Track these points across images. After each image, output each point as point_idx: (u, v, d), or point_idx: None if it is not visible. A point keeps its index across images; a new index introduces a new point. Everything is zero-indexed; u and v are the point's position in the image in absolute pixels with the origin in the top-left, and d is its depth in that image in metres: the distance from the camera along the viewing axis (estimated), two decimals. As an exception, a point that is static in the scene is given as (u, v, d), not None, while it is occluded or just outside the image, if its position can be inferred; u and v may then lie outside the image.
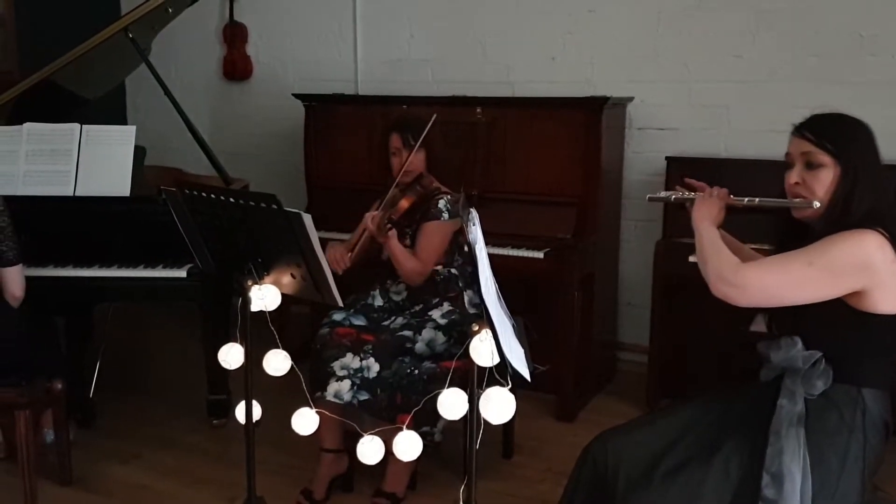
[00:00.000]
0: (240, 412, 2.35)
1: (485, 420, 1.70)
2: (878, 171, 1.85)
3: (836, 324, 1.81)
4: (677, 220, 3.45)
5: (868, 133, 1.88)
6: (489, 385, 1.72)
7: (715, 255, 1.88)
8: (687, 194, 2.07)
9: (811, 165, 1.85)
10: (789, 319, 1.89)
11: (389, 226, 2.77)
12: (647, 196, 2.22)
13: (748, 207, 1.98)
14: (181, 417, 3.52)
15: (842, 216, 1.80)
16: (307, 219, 2.08)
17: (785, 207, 1.92)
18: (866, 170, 1.82)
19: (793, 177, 1.88)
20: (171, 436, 3.38)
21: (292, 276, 2.25)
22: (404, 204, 2.81)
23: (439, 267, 2.91)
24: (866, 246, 1.75)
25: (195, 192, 2.29)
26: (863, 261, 1.74)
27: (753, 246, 2.16)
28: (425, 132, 2.83)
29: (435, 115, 2.85)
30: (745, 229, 2.21)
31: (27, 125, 3.37)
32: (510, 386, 1.64)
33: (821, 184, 1.83)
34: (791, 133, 1.91)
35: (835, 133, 1.84)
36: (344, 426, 2.73)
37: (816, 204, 1.83)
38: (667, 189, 2.23)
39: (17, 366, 2.70)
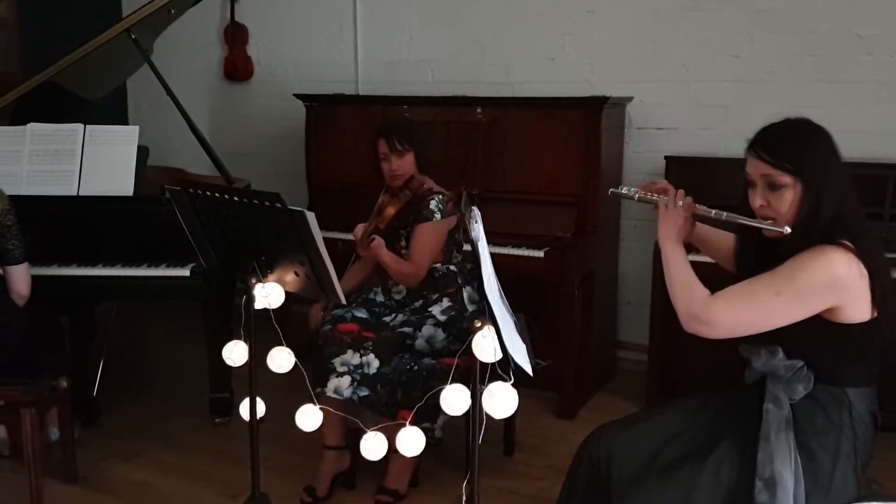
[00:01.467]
0: (244, 409, 2.37)
1: (487, 416, 1.72)
2: (841, 177, 1.80)
3: (812, 336, 1.80)
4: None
5: (825, 138, 1.82)
6: (491, 380, 1.74)
7: (683, 288, 1.84)
8: (651, 196, 2.00)
9: (774, 187, 1.79)
10: (768, 331, 1.86)
11: (372, 237, 2.77)
12: (610, 190, 2.11)
13: (715, 220, 1.91)
14: (184, 416, 3.55)
15: (808, 229, 1.77)
16: (311, 217, 2.11)
17: (753, 226, 1.86)
18: (828, 180, 1.77)
19: (757, 199, 1.83)
20: (174, 434, 3.40)
21: (296, 273, 2.28)
22: (390, 211, 2.82)
23: (438, 264, 2.93)
24: (832, 266, 1.72)
25: (200, 192, 2.31)
26: (830, 281, 1.72)
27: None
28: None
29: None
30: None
31: (31, 125, 3.39)
32: (513, 381, 1.66)
33: (785, 203, 1.79)
34: (746, 152, 1.85)
35: (791, 149, 1.78)
36: (346, 423, 2.76)
37: (787, 230, 1.78)
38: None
39: (22, 364, 2.72)
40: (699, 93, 3.90)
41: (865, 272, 1.74)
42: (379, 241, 2.79)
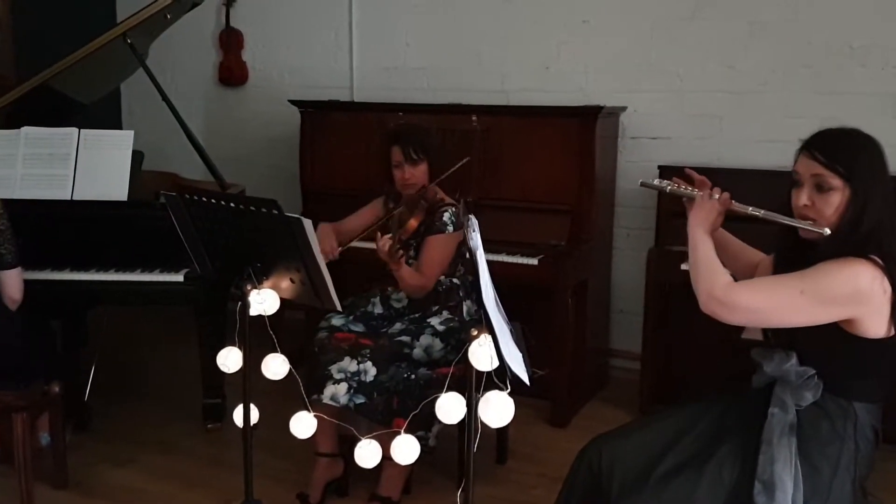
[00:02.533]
0: (237, 416, 2.36)
1: (482, 424, 1.72)
2: (887, 192, 1.81)
3: (829, 344, 1.82)
4: (670, 229, 3.49)
5: (878, 150, 1.84)
6: (486, 390, 1.75)
7: (707, 271, 1.85)
8: (685, 188, 2.01)
9: (822, 188, 1.80)
10: (785, 332, 1.89)
11: (401, 251, 2.73)
12: (640, 181, 2.11)
13: (750, 217, 1.92)
14: (177, 421, 3.53)
15: (848, 236, 1.78)
16: (307, 224, 2.11)
17: (791, 227, 1.87)
18: (876, 190, 1.79)
19: (802, 198, 1.83)
20: (167, 439, 3.38)
21: (291, 280, 2.28)
22: (413, 224, 2.78)
23: (442, 277, 2.93)
24: (859, 278, 1.73)
25: (195, 197, 2.31)
26: (854, 293, 1.74)
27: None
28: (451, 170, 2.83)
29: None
30: (741, 234, 2.20)
31: (25, 129, 3.38)
32: (509, 390, 1.67)
33: (831, 207, 1.80)
34: (799, 150, 1.86)
35: (846, 154, 1.80)
36: (339, 430, 2.75)
37: (827, 231, 1.79)
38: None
39: (14, 369, 2.71)
40: (693, 103, 3.92)
41: (889, 289, 1.76)
42: (403, 256, 2.77)
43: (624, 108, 3.95)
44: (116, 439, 3.37)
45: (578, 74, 4.11)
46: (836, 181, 1.79)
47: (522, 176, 3.73)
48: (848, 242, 1.78)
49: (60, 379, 2.88)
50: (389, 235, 2.74)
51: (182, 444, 3.35)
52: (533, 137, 3.71)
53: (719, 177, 3.50)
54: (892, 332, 1.79)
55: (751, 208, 1.92)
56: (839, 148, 1.82)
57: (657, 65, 3.96)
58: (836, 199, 1.80)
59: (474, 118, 3.80)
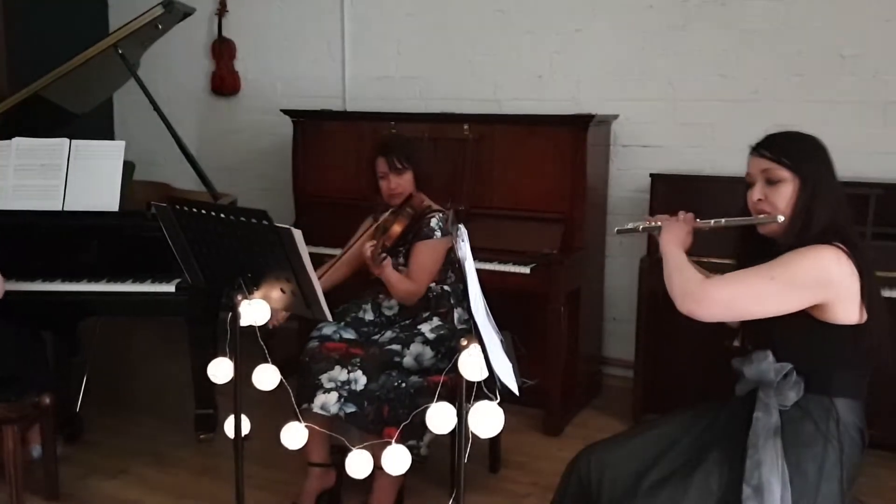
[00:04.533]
0: (228, 427, 2.35)
1: (473, 434, 1.72)
2: (835, 184, 1.91)
3: (802, 336, 1.86)
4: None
5: (822, 148, 1.94)
6: (477, 399, 1.74)
7: (680, 273, 1.93)
8: (654, 223, 2.11)
9: (771, 181, 1.90)
10: (760, 333, 1.94)
11: (384, 255, 2.77)
12: (616, 229, 2.24)
13: (715, 229, 2.03)
14: (168, 432, 3.52)
15: (803, 228, 1.86)
16: (297, 234, 2.10)
17: (750, 225, 1.97)
18: (823, 183, 1.88)
19: (755, 194, 1.93)
20: (158, 450, 3.37)
21: (282, 291, 2.27)
22: (397, 229, 2.81)
23: (433, 283, 2.93)
24: (825, 261, 1.81)
25: (186, 208, 2.30)
26: (822, 275, 1.80)
27: (722, 260, 2.21)
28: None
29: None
30: (712, 245, 2.26)
31: (16, 140, 3.37)
32: (498, 400, 1.66)
33: (782, 198, 1.89)
34: (749, 153, 1.97)
35: (791, 149, 1.91)
36: (331, 440, 2.75)
37: (780, 218, 1.89)
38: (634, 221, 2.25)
39: (5, 381, 2.70)
40: (685, 111, 3.94)
41: (856, 272, 1.82)
42: (389, 261, 2.79)
43: (616, 117, 3.96)
44: (108, 450, 3.36)
45: (570, 83, 4.13)
46: (784, 172, 1.89)
47: (515, 184, 3.74)
48: (806, 233, 1.85)
49: (51, 390, 2.88)
50: (373, 242, 2.77)
51: (174, 455, 3.34)
52: (525, 146, 3.72)
53: (711, 184, 3.59)
54: (864, 319, 1.84)
55: (713, 222, 2.04)
56: (784, 144, 1.93)
57: (649, 73, 3.98)
58: (786, 191, 1.89)
59: (466, 127, 3.80)
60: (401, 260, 2.92)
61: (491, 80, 4.31)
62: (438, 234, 2.88)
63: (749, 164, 1.97)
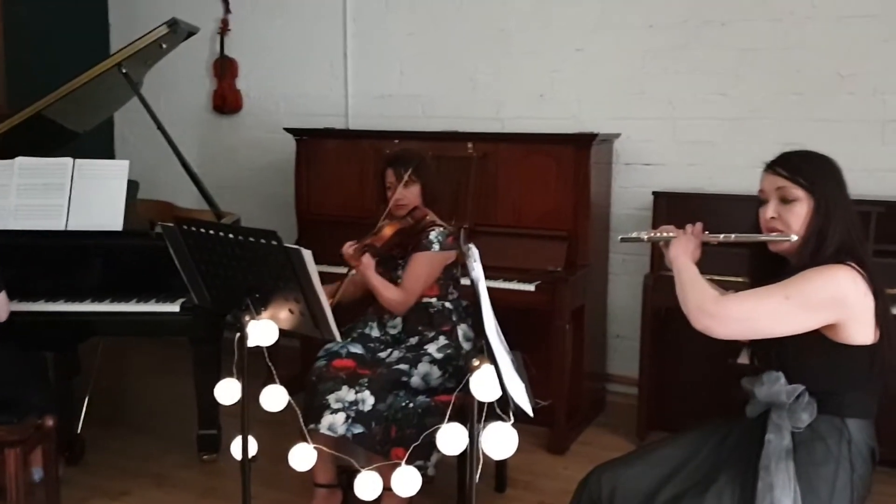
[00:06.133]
0: (235, 448, 2.34)
1: (484, 454, 1.71)
2: (848, 204, 1.91)
3: (815, 356, 1.85)
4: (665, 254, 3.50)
5: (836, 169, 1.94)
6: (487, 420, 1.74)
7: (695, 288, 1.91)
8: (660, 234, 2.09)
9: (786, 200, 1.90)
10: (771, 353, 1.92)
11: (365, 252, 2.76)
12: (620, 237, 2.22)
13: (724, 243, 2.02)
14: (171, 453, 3.50)
15: (817, 248, 1.85)
16: (307, 255, 2.10)
17: (761, 242, 1.96)
18: (837, 203, 1.88)
19: (769, 212, 1.93)
20: (161, 471, 3.34)
21: (290, 311, 2.26)
22: (387, 232, 2.81)
23: (433, 299, 2.93)
24: (840, 280, 1.80)
25: (194, 228, 2.30)
26: (837, 295, 1.79)
27: (732, 279, 2.20)
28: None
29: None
30: (722, 262, 2.24)
31: (19, 159, 3.36)
32: (512, 421, 1.66)
33: (796, 217, 1.88)
34: (763, 170, 1.96)
35: (806, 168, 1.90)
36: (337, 461, 2.73)
37: (794, 237, 1.88)
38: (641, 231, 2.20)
39: (7, 403, 2.68)
40: (686, 130, 3.95)
41: (870, 293, 1.82)
42: (368, 260, 2.77)
43: (618, 135, 3.97)
44: (110, 472, 3.33)
45: (572, 102, 4.14)
46: (798, 192, 1.89)
47: (518, 202, 3.74)
48: (820, 252, 1.85)
49: (52, 412, 2.85)
50: (356, 241, 2.77)
51: (177, 476, 3.32)
52: (529, 164, 3.73)
53: (713, 202, 3.60)
54: (877, 338, 1.83)
55: (722, 236, 2.02)
56: (800, 163, 1.92)
57: (650, 92, 4.00)
58: (800, 210, 1.88)
59: (470, 145, 3.81)
60: (399, 272, 2.92)
61: (493, 99, 4.32)
62: (437, 247, 2.88)
63: (763, 181, 1.96)
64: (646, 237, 2.12)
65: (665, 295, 3.38)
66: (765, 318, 1.83)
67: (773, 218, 1.92)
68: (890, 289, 3.03)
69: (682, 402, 3.57)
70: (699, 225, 2.06)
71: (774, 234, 1.92)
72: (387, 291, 2.83)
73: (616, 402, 4.10)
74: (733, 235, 1.99)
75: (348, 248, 2.79)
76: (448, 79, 4.41)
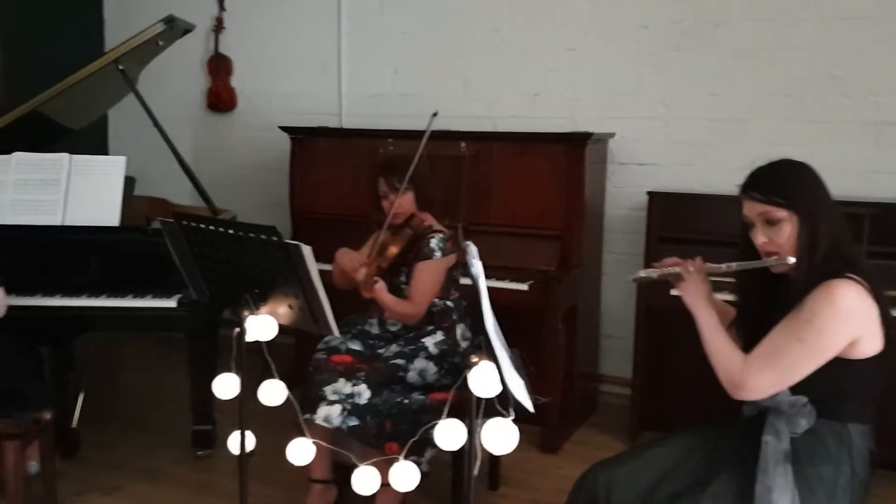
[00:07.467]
0: (232, 443, 2.35)
1: (484, 450, 1.73)
2: (830, 205, 1.90)
3: (823, 373, 1.83)
4: (658, 254, 3.52)
5: (811, 172, 1.92)
6: (486, 416, 1.75)
7: (722, 359, 1.90)
8: (669, 270, 2.09)
9: (771, 223, 1.88)
10: None
11: (376, 278, 2.76)
12: (631, 278, 2.25)
13: (727, 274, 2.00)
14: (165, 448, 3.50)
15: (811, 259, 1.84)
16: (307, 250, 2.12)
17: (762, 267, 1.94)
18: (819, 209, 1.87)
19: (759, 237, 1.91)
20: (156, 467, 3.35)
21: (289, 306, 2.28)
22: (393, 251, 2.82)
23: (435, 299, 2.93)
24: (845, 300, 1.78)
25: (193, 224, 2.31)
26: (847, 315, 1.78)
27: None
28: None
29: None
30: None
31: (16, 154, 3.37)
32: (513, 417, 1.68)
33: (786, 237, 1.87)
34: (740, 195, 1.94)
35: (780, 185, 1.88)
36: (333, 457, 2.75)
37: (791, 260, 1.86)
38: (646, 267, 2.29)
39: (6, 396, 2.68)
40: (679, 130, 3.99)
41: (874, 302, 1.82)
42: (382, 285, 2.78)
43: (612, 135, 4.00)
44: (104, 467, 3.33)
45: (566, 101, 4.17)
46: (780, 212, 1.87)
47: (512, 201, 3.76)
48: (816, 266, 1.84)
49: (50, 405, 2.86)
50: (366, 264, 2.77)
51: (171, 471, 3.32)
52: (522, 163, 3.75)
53: (707, 203, 3.62)
54: (883, 346, 1.84)
55: (724, 266, 2.00)
56: (772, 181, 1.89)
57: (643, 92, 4.02)
58: (787, 229, 1.87)
59: (463, 145, 3.83)
60: (402, 279, 2.93)
61: (487, 98, 4.34)
62: (438, 254, 2.88)
63: (744, 207, 1.93)
64: (656, 275, 2.12)
65: (658, 295, 3.41)
66: (789, 372, 1.82)
67: (765, 242, 1.90)
68: (886, 291, 3.09)
69: (674, 403, 3.59)
70: (699, 260, 2.04)
71: (772, 258, 1.90)
72: (399, 307, 2.83)
73: (608, 402, 4.12)
74: (734, 265, 1.98)
75: (360, 279, 2.76)
76: (442, 78, 4.43)
